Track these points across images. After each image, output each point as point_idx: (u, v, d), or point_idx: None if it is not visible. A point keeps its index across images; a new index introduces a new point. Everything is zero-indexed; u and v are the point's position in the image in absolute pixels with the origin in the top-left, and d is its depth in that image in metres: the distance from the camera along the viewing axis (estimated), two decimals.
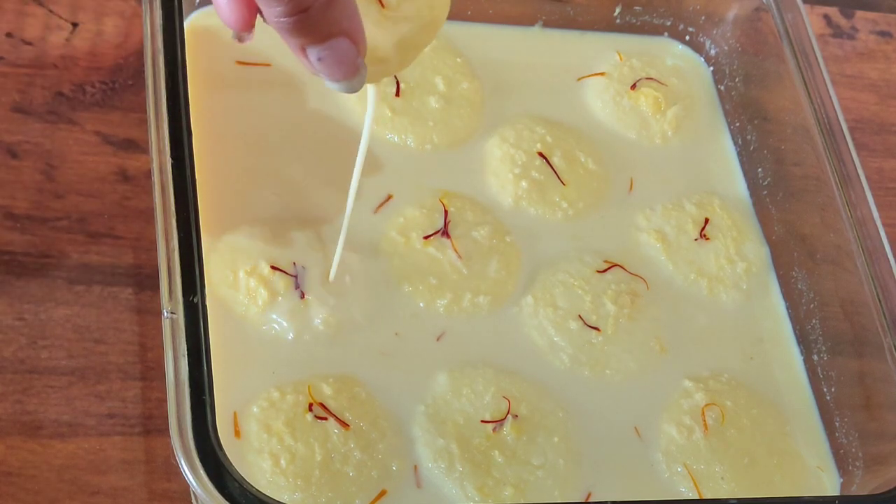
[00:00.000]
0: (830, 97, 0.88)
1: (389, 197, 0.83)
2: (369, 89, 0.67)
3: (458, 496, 0.72)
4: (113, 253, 0.79)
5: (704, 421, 0.79)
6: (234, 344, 0.73)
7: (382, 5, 0.59)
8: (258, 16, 0.57)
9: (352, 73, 0.57)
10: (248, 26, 0.58)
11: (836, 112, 0.87)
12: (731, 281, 0.87)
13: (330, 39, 0.55)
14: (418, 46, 0.63)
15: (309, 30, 0.54)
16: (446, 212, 0.82)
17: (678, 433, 0.78)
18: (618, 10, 0.97)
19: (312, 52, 0.55)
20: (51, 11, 0.89)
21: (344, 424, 0.71)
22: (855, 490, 0.79)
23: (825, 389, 0.84)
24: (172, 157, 0.69)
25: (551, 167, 0.87)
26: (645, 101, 0.94)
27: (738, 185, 0.94)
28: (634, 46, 0.98)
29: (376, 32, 0.59)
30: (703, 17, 0.98)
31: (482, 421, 0.74)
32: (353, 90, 0.58)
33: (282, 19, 0.53)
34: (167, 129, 0.70)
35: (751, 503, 0.74)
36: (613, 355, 0.80)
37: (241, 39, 0.59)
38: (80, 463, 0.72)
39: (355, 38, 0.56)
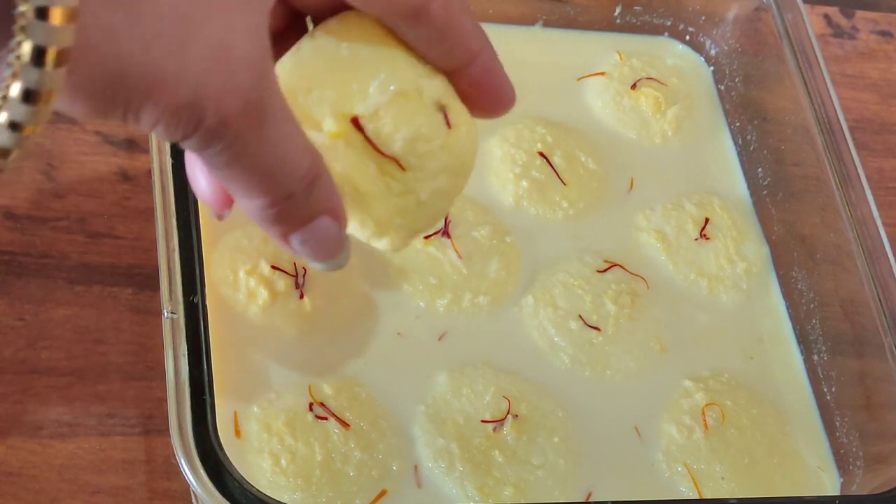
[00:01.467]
0: (830, 97, 0.88)
1: None
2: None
3: (459, 496, 0.72)
4: (113, 253, 0.79)
5: (704, 421, 0.79)
6: (234, 344, 0.73)
7: (402, 169, 0.52)
8: None
9: (336, 251, 0.52)
10: (228, 205, 0.52)
11: (836, 112, 0.87)
12: (731, 281, 0.87)
13: (312, 222, 0.49)
14: (450, 195, 0.55)
15: (292, 217, 0.49)
16: None
17: (678, 433, 0.78)
18: (618, 10, 0.97)
19: (295, 239, 0.50)
20: None
21: (344, 424, 0.71)
22: (855, 490, 0.79)
23: (825, 389, 0.84)
24: (172, 157, 0.69)
25: (552, 167, 0.87)
26: (645, 100, 0.94)
27: (738, 185, 0.94)
28: (634, 46, 0.98)
29: (403, 202, 0.53)
30: (703, 17, 0.98)
31: (482, 421, 0.74)
32: (340, 266, 0.53)
33: (265, 212, 0.48)
34: None
35: (751, 503, 0.74)
36: (614, 355, 0.80)
37: (220, 217, 0.53)
38: (81, 463, 0.72)
39: (336, 213, 0.50)
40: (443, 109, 0.53)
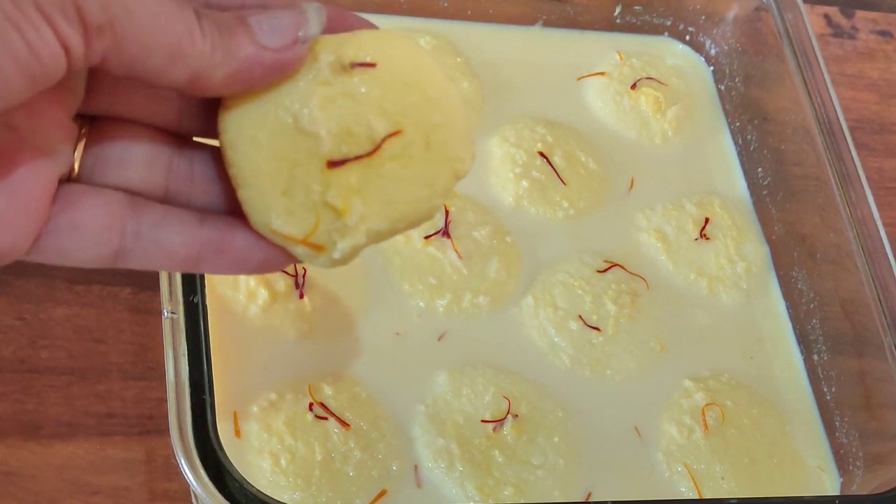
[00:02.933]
0: (830, 97, 0.88)
1: None
2: None
3: (458, 496, 0.72)
4: None
5: (705, 421, 0.79)
6: (234, 344, 0.73)
7: (400, 132, 0.46)
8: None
9: (298, 21, 0.45)
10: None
11: (836, 112, 0.87)
12: (731, 281, 0.87)
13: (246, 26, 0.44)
14: (445, 122, 0.48)
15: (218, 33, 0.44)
16: (447, 212, 0.82)
17: (678, 433, 0.78)
18: (618, 10, 0.97)
19: (250, 43, 0.44)
20: None
21: (344, 424, 0.71)
22: (855, 490, 0.79)
23: (825, 389, 0.84)
24: None
25: (552, 167, 0.87)
26: (645, 100, 0.94)
27: (738, 185, 0.94)
28: (634, 46, 0.98)
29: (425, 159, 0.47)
30: (703, 17, 0.98)
31: (482, 421, 0.74)
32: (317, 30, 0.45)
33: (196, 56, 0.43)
34: None
35: (751, 503, 0.74)
36: (614, 355, 0.80)
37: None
38: (81, 463, 0.72)
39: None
40: (352, 64, 0.46)
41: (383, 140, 0.46)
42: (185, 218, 0.47)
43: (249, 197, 0.46)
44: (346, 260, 0.48)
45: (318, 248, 0.47)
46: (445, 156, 0.47)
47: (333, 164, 0.45)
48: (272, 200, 0.46)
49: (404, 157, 0.46)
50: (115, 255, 0.46)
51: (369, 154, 0.46)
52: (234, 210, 0.47)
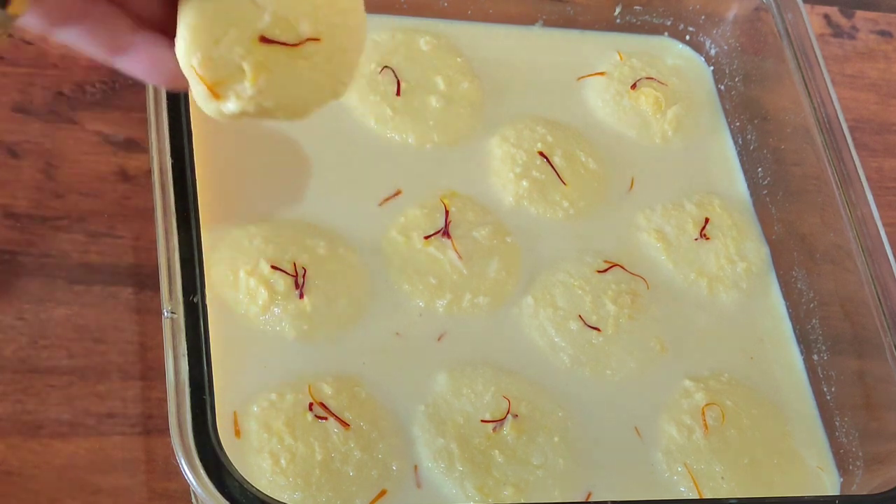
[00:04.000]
0: (830, 97, 0.88)
1: (398, 192, 0.83)
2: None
3: (458, 496, 0.72)
4: (113, 253, 0.79)
5: (705, 421, 0.79)
6: (234, 344, 0.73)
7: (319, 40, 0.57)
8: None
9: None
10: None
11: (836, 112, 0.87)
12: (731, 281, 0.87)
13: None
14: (346, 57, 0.59)
15: None
16: (447, 212, 0.82)
17: (678, 433, 0.78)
18: (618, 10, 0.97)
19: None
20: None
21: (344, 424, 0.71)
22: (855, 490, 0.79)
23: (825, 389, 0.84)
24: (172, 156, 0.69)
25: (552, 167, 0.87)
26: (645, 100, 0.94)
27: (738, 185, 0.94)
28: (634, 46, 0.98)
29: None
30: (703, 17, 0.98)
31: (482, 421, 0.74)
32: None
33: None
34: (167, 129, 0.70)
35: (751, 503, 0.74)
36: (614, 355, 0.80)
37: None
38: (81, 462, 0.72)
39: None
40: None
41: (307, 40, 0.56)
42: (123, 22, 0.56)
43: (186, 31, 0.55)
44: (229, 118, 0.57)
45: (216, 95, 0.56)
46: (336, 75, 0.57)
47: (264, 40, 0.55)
48: (203, 43, 0.55)
49: (311, 62, 0.56)
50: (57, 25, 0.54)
51: (294, 45, 0.55)
52: (165, 32, 0.56)
